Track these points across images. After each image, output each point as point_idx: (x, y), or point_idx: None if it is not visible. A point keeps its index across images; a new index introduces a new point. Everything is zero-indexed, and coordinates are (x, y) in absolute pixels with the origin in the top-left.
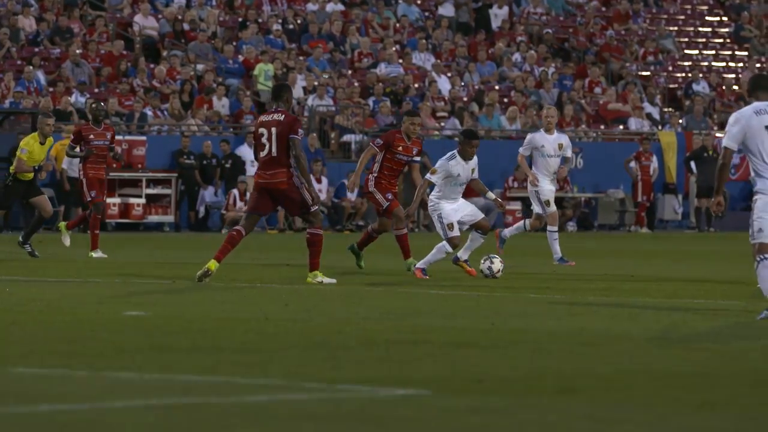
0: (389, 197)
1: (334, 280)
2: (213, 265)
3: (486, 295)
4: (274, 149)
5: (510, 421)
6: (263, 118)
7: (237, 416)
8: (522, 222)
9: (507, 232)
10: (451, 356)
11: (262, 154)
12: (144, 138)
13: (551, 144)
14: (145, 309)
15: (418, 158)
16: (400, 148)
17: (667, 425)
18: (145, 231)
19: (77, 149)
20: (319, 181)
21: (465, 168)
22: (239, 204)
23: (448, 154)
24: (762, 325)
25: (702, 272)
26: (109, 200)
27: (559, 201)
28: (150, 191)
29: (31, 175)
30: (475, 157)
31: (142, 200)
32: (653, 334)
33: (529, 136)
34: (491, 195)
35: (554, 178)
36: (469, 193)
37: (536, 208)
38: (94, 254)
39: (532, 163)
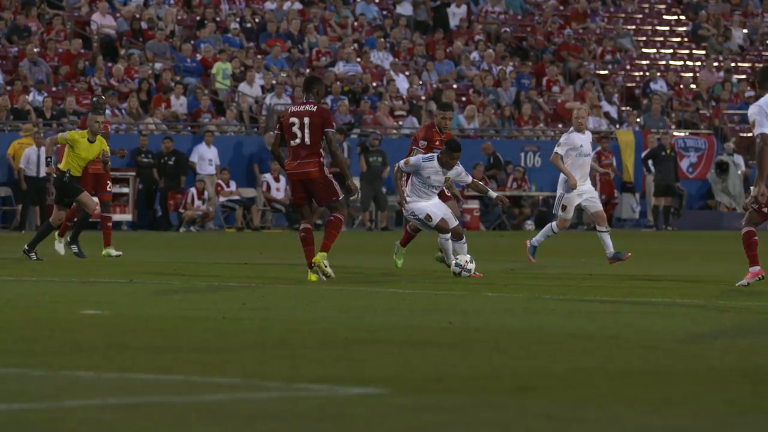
0: None
1: (333, 276)
2: (313, 277)
3: (444, 294)
4: (307, 138)
5: (468, 419)
6: (294, 108)
7: (194, 415)
8: (549, 228)
9: (536, 240)
10: (408, 355)
11: (294, 142)
12: None
13: (586, 143)
14: (102, 308)
15: None
16: (437, 143)
17: (624, 424)
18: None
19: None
20: (277, 179)
21: (439, 174)
22: (197, 203)
23: (430, 154)
24: (720, 323)
25: (659, 271)
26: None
27: (517, 200)
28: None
29: (80, 172)
30: (459, 168)
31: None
32: (611, 333)
33: (565, 136)
34: (492, 194)
35: (587, 179)
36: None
37: (555, 208)
38: (57, 241)
39: (565, 164)
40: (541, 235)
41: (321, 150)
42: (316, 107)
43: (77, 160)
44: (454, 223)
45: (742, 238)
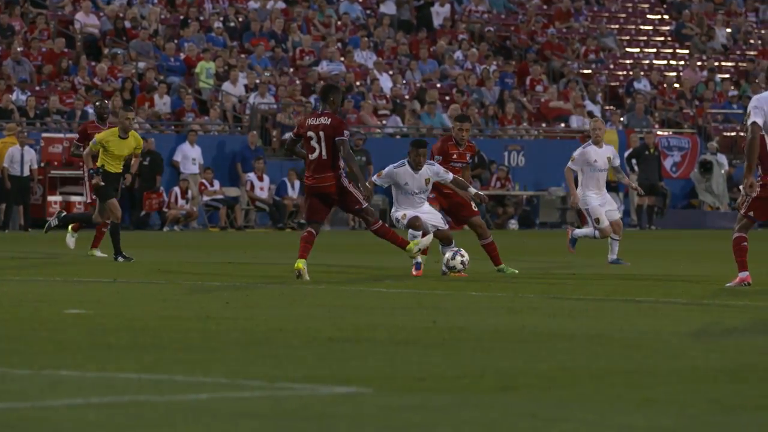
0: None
1: (429, 238)
2: (300, 264)
3: (427, 293)
4: (323, 152)
5: (451, 419)
6: (310, 121)
7: (178, 414)
8: (593, 230)
9: (578, 232)
10: (392, 354)
11: (312, 156)
12: None
13: (602, 158)
14: (85, 307)
15: (470, 161)
16: (455, 156)
17: (608, 423)
18: (87, 229)
19: (81, 148)
20: (260, 179)
21: (415, 178)
22: (181, 202)
23: (400, 161)
24: (703, 322)
25: (643, 270)
26: (50, 198)
27: (500, 199)
28: None
29: (120, 168)
30: (435, 167)
31: (84, 198)
32: (594, 332)
33: (580, 151)
34: (472, 190)
35: (604, 191)
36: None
37: (589, 222)
38: (69, 234)
39: (578, 178)
40: (582, 232)
41: (339, 163)
42: (330, 119)
43: (112, 158)
44: (443, 226)
45: (732, 243)
